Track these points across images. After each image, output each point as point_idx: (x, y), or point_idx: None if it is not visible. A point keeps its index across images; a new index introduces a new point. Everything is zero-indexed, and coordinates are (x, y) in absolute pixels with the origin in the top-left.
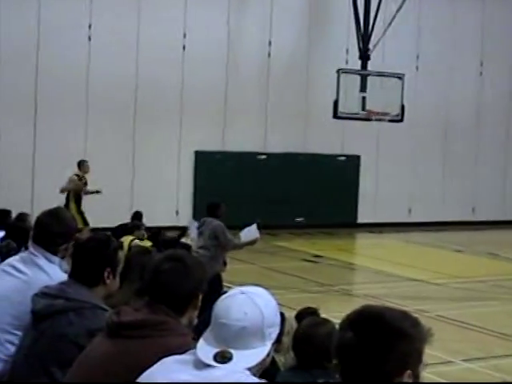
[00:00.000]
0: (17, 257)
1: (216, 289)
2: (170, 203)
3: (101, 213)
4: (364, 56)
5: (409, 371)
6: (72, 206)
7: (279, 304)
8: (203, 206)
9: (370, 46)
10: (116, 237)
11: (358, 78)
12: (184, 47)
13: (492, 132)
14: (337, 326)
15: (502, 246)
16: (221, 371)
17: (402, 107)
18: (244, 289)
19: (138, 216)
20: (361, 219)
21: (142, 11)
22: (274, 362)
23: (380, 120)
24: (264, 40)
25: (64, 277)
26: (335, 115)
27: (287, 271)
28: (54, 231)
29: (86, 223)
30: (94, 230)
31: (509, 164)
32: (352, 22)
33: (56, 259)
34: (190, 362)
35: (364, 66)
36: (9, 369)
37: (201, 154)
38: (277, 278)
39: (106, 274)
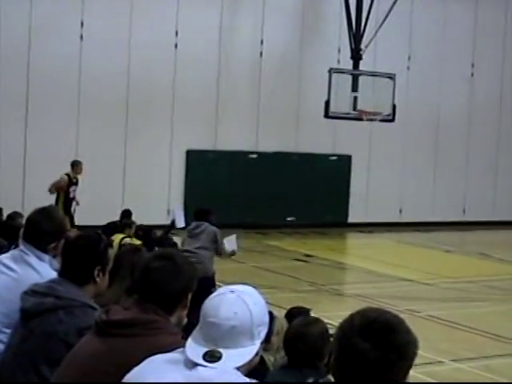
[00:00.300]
0: (7, 254)
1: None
2: (161, 202)
3: (92, 211)
4: (356, 56)
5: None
6: (60, 206)
7: (269, 303)
8: (195, 206)
9: (362, 45)
10: (106, 235)
11: (350, 77)
12: (176, 46)
13: (483, 132)
14: (328, 326)
15: (492, 246)
16: (212, 371)
17: (394, 107)
18: (233, 288)
19: (126, 214)
20: (352, 219)
21: (134, 10)
22: (263, 361)
23: (371, 120)
24: (256, 39)
25: (54, 275)
26: (327, 115)
27: (278, 270)
28: (44, 229)
29: (72, 226)
30: (86, 227)
31: (499, 164)
32: (344, 21)
33: (46, 257)
34: (180, 361)
35: (356, 66)
36: None
37: (192, 153)
38: (267, 277)
39: (96, 272)
